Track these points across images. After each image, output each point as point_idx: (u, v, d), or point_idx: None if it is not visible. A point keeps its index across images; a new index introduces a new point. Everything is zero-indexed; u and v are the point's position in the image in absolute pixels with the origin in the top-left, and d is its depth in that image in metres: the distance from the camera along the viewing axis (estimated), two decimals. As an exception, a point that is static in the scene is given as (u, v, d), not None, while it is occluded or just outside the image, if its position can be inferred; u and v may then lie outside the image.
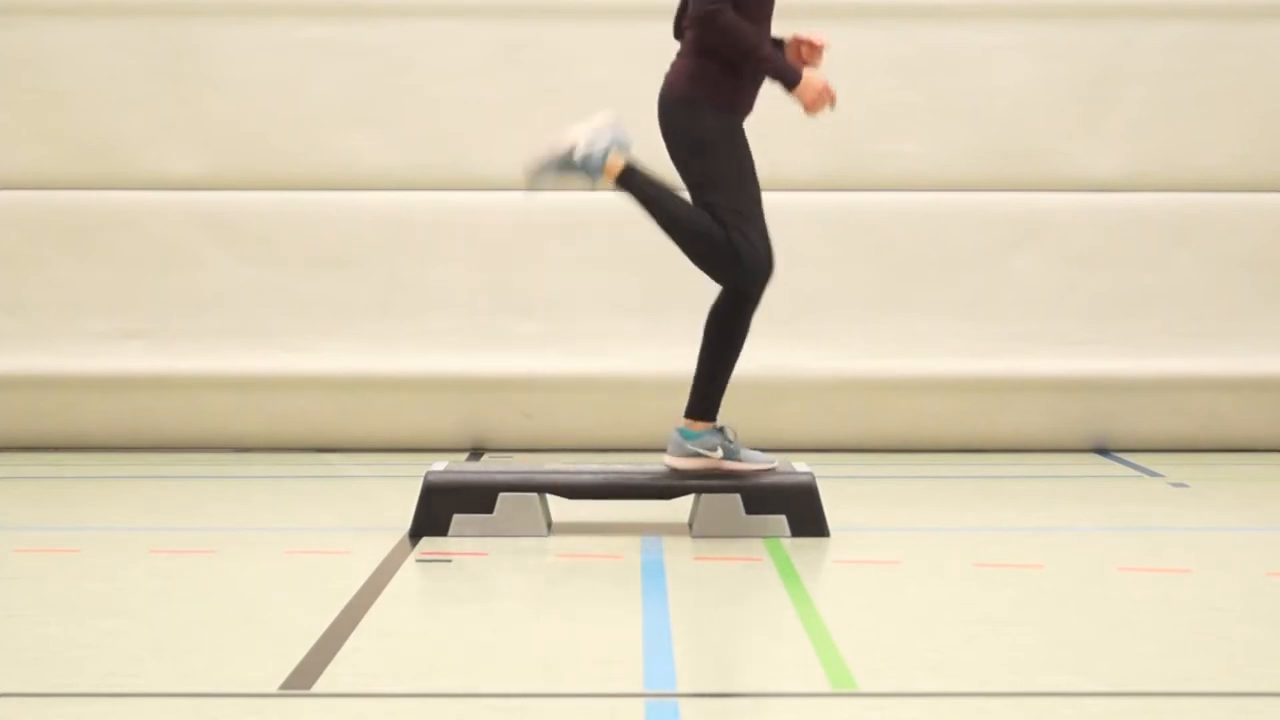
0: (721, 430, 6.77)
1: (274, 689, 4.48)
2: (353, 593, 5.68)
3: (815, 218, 9.67)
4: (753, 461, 6.77)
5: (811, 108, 6.53)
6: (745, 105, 6.69)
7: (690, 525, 6.84)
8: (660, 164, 6.69)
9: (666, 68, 7.40)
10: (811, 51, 6.74)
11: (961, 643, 5.05)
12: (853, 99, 7.36)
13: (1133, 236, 9.72)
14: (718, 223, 6.60)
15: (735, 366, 6.76)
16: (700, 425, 6.76)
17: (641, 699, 4.41)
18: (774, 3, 6.69)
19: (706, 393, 6.76)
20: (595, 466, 7.04)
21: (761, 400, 9.38)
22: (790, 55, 6.77)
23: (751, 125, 6.67)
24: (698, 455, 6.75)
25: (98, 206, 9.66)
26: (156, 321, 9.65)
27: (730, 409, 9.40)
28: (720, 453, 6.73)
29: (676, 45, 6.79)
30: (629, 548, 6.51)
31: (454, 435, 9.64)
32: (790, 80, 6.53)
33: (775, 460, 6.83)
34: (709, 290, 9.64)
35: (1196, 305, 9.70)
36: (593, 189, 6.78)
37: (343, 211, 9.70)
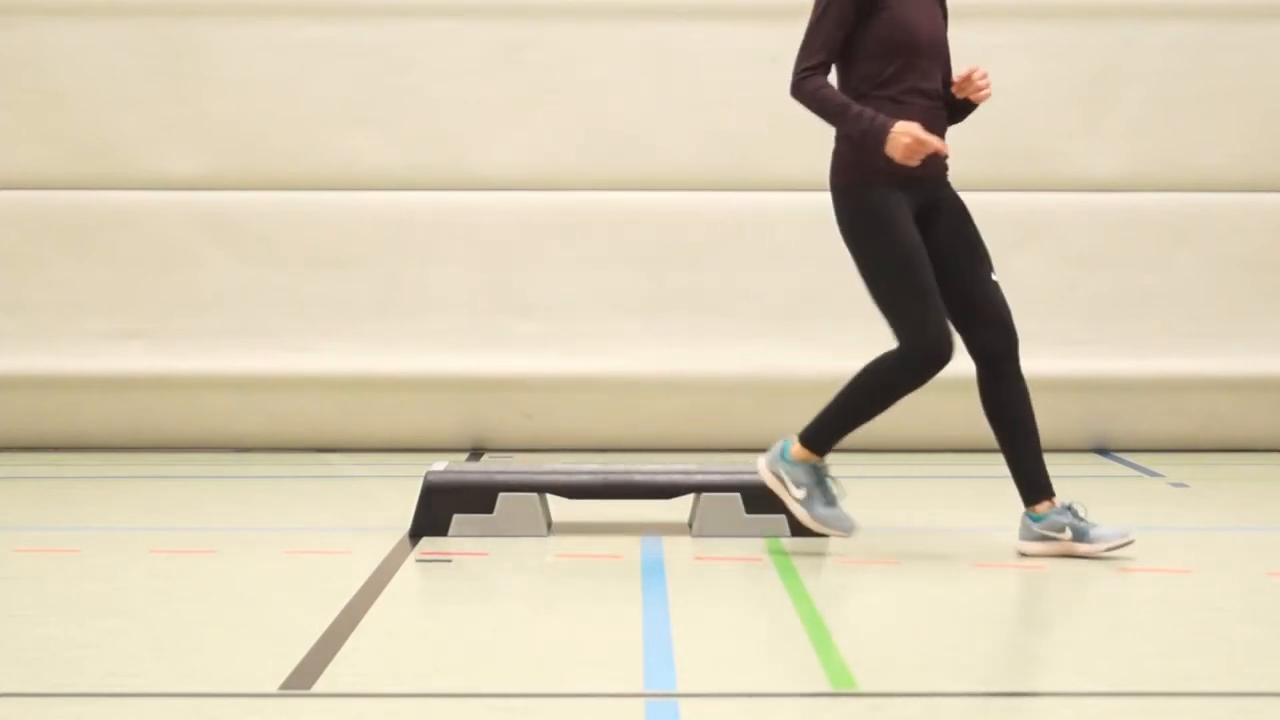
0: (819, 474, 6.38)
1: (274, 689, 4.48)
2: (353, 593, 5.67)
3: (816, 217, 9.57)
4: (825, 523, 6.31)
5: (904, 160, 6.11)
6: (884, 173, 6.17)
7: (690, 525, 6.83)
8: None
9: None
10: (962, 89, 6.42)
11: (961, 643, 5.04)
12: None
13: (1133, 236, 9.72)
14: (887, 313, 6.34)
15: (863, 422, 6.44)
16: (803, 455, 6.39)
17: (641, 699, 4.41)
18: (916, 58, 6.27)
19: (824, 421, 6.45)
20: (595, 466, 7.03)
21: (761, 400, 9.37)
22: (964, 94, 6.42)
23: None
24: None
25: (98, 206, 9.66)
26: (156, 321, 9.65)
27: (731, 409, 9.44)
28: (800, 494, 6.34)
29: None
30: (629, 548, 6.50)
31: (454, 435, 9.64)
32: (875, 140, 6.10)
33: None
34: (709, 290, 9.69)
35: (1196, 305, 9.70)
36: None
37: (343, 211, 9.70)
